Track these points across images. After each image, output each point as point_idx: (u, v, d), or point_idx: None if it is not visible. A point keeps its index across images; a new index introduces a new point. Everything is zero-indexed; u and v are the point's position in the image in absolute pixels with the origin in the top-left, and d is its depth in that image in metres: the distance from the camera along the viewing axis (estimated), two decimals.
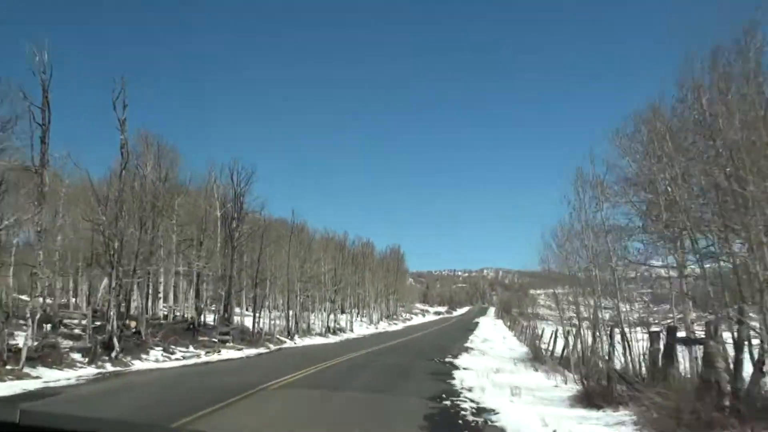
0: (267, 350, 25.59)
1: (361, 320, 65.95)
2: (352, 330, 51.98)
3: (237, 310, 47.77)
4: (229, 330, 27.56)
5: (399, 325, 69.17)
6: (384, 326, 65.26)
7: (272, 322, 36.83)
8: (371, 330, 56.52)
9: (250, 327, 33.39)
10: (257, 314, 32.41)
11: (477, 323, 72.22)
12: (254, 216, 35.61)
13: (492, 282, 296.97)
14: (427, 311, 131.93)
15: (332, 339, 40.10)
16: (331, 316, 48.30)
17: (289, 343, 33.30)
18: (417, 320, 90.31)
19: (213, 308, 36.51)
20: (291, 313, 39.09)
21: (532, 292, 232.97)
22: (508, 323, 69.01)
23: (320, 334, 43.25)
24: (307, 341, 36.15)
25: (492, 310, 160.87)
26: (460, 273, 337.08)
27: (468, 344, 31.16)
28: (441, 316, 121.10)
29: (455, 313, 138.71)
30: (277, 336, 34.74)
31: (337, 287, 47.23)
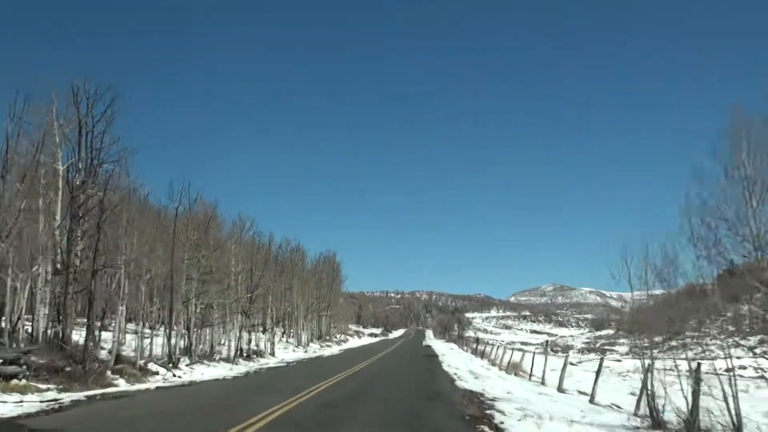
0: (57, 404, 11.73)
1: (287, 341, 52.54)
2: (273, 353, 38.68)
3: (131, 325, 33.71)
4: (17, 356, 14.08)
5: (334, 348, 56.08)
6: (315, 349, 52.09)
7: (148, 340, 23.46)
8: (299, 354, 43.35)
9: (111, 348, 19.92)
10: (94, 324, 18.91)
11: (430, 347, 60.08)
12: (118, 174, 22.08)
13: (426, 304, 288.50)
14: (362, 333, 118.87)
15: (242, 368, 26.97)
16: (246, 335, 34.91)
17: (161, 378, 19.97)
18: (354, 342, 77.22)
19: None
20: (177, 329, 25.74)
21: (468, 315, 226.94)
22: (467, 348, 57.40)
23: (227, 360, 29.91)
24: (200, 373, 22.89)
25: (429, 332, 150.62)
26: (393, 294, 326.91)
27: (467, 385, 18.70)
28: (378, 338, 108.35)
29: (392, 335, 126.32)
30: (149, 365, 21.30)
31: (254, 294, 33.92)
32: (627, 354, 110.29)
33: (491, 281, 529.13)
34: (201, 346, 32.98)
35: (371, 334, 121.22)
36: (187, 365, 24.46)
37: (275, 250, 58.77)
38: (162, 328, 30.60)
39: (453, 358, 37.70)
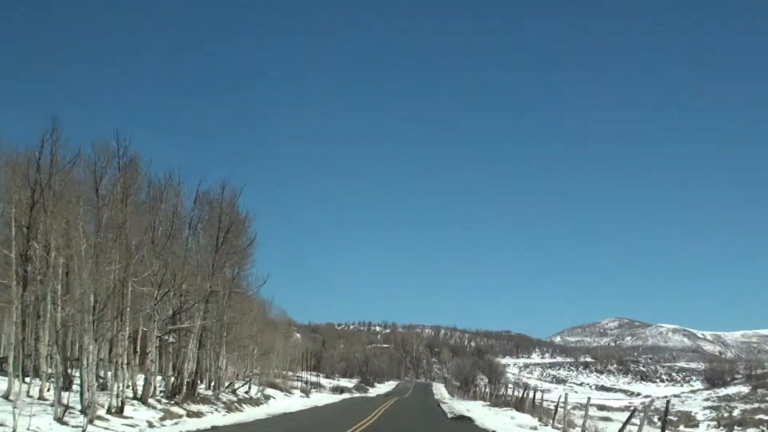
0: None
1: None
2: None
3: None
4: None
5: None
6: None
7: None
8: None
9: None
10: None
11: None
12: None
13: (430, 343, 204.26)
14: (320, 385, 65.40)
15: None
16: None
17: None
18: (252, 413, 24.05)
19: None
20: None
21: (497, 360, 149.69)
22: None
23: None
24: None
25: (441, 388, 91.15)
26: (378, 328, 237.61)
27: None
28: (344, 395, 55.27)
29: (374, 392, 72.05)
30: None
31: None
32: None
33: (526, 315, 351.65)
34: None
35: (335, 388, 67.57)
36: None
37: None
38: None
39: None
